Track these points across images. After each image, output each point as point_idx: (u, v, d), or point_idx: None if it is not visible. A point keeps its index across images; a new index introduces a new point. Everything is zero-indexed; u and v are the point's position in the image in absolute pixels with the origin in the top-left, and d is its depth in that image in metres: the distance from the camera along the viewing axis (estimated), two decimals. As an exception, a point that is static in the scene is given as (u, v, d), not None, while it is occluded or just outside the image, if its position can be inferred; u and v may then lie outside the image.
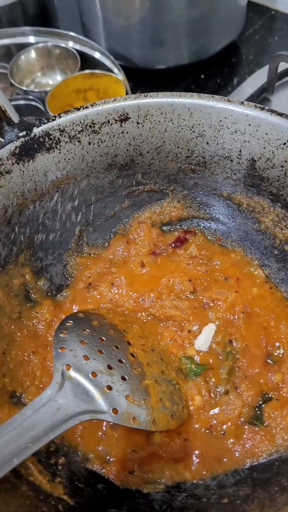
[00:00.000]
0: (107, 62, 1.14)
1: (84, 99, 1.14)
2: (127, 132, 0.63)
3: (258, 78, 1.07)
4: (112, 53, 1.15)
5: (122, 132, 0.63)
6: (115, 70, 1.11)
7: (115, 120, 0.62)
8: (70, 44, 1.16)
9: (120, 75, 1.09)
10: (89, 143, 0.62)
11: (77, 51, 1.16)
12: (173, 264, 0.66)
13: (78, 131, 0.61)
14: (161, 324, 0.62)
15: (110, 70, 1.12)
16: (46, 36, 1.18)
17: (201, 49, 1.23)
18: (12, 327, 0.60)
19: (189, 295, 0.63)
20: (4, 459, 0.40)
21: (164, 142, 0.64)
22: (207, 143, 0.63)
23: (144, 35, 1.16)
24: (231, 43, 1.28)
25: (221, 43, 1.25)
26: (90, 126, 0.61)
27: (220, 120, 0.61)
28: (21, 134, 0.59)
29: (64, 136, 0.61)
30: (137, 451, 0.54)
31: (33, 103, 1.10)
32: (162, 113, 0.62)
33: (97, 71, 1.09)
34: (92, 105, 0.61)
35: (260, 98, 1.03)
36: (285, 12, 1.44)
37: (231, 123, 0.60)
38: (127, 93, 1.06)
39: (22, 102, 1.09)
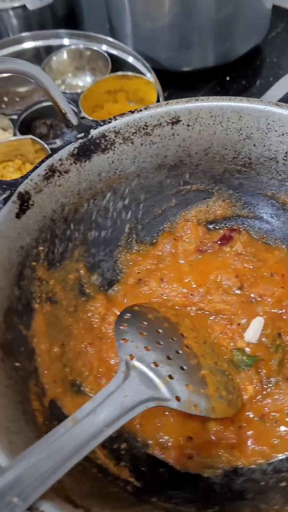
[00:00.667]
0: (138, 65, 1.17)
1: (114, 100, 1.17)
2: (177, 134, 0.65)
3: (285, 82, 1.10)
4: (139, 54, 1.18)
5: (173, 134, 0.65)
6: (147, 73, 1.13)
7: (167, 122, 0.64)
8: (103, 47, 1.18)
9: (151, 77, 1.12)
10: (141, 144, 0.65)
11: (107, 53, 1.19)
12: (219, 260, 0.69)
13: (132, 133, 0.64)
14: (211, 318, 0.65)
15: (140, 72, 1.15)
16: (79, 39, 1.21)
17: (227, 52, 1.25)
18: (69, 319, 0.63)
19: (236, 291, 0.66)
20: (83, 442, 0.43)
21: (212, 143, 0.67)
22: (254, 145, 0.66)
23: (173, 38, 1.18)
24: (255, 46, 1.31)
25: (247, 46, 1.28)
26: (143, 128, 0.64)
27: (268, 123, 0.63)
28: (79, 135, 0.62)
29: (119, 137, 0.63)
30: (193, 438, 0.56)
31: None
32: (212, 116, 0.64)
33: (129, 73, 1.12)
34: (146, 108, 0.64)
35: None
36: (308, 15, 1.46)
37: (279, 126, 0.63)
38: (158, 95, 1.08)
39: (55, 103, 1.12)
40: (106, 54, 1.18)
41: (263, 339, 0.62)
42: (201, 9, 1.10)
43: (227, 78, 1.31)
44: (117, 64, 1.21)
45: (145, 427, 0.58)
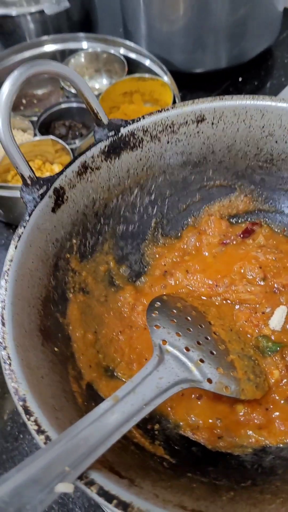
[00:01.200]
0: (154, 67, 1.20)
1: (130, 101, 1.20)
2: (202, 132, 0.68)
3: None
4: (154, 56, 1.21)
5: (198, 132, 0.68)
6: (163, 75, 1.16)
7: (192, 121, 0.67)
8: (121, 51, 1.21)
9: (167, 79, 1.15)
10: (168, 142, 0.68)
11: (124, 56, 1.22)
12: (242, 252, 0.72)
13: (159, 131, 0.67)
14: (236, 307, 0.68)
15: (157, 75, 1.18)
16: (96, 42, 1.25)
17: (240, 53, 1.28)
18: (101, 309, 0.66)
19: (260, 282, 0.69)
20: (125, 419, 0.46)
21: (235, 141, 0.70)
22: (276, 141, 0.69)
23: (187, 40, 1.21)
24: (267, 47, 1.34)
25: (259, 47, 1.31)
26: (169, 127, 0.67)
27: (290, 121, 0.66)
28: (110, 134, 0.65)
29: (147, 135, 0.66)
30: (223, 419, 0.59)
31: (84, 105, 1.15)
32: (235, 114, 0.67)
33: (146, 75, 1.15)
34: (172, 108, 0.67)
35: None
36: None
37: (300, 123, 0.66)
38: (174, 96, 1.11)
39: (74, 104, 1.15)
40: (122, 57, 1.21)
41: (287, 326, 0.65)
42: (215, 12, 1.13)
43: (240, 79, 1.34)
44: (132, 66, 1.24)
45: (175, 409, 0.61)
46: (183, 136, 0.68)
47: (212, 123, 0.68)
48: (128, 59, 1.23)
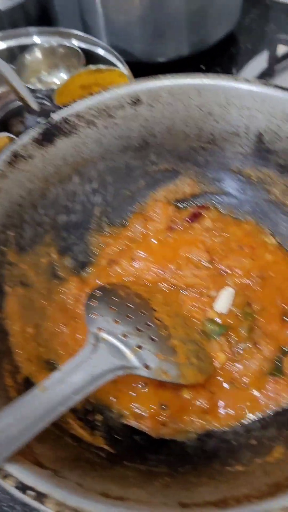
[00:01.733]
0: (111, 57, 1.18)
1: (90, 94, 1.18)
2: (139, 115, 0.67)
3: (257, 64, 1.11)
4: (114, 48, 1.19)
5: (135, 115, 0.67)
6: (119, 64, 1.14)
7: (128, 103, 0.66)
8: (74, 42, 1.20)
9: (124, 69, 1.13)
10: (105, 127, 0.66)
11: (81, 48, 1.20)
12: (189, 237, 0.70)
13: (94, 116, 0.65)
14: (182, 292, 0.66)
15: (114, 65, 1.16)
16: (50, 36, 1.23)
17: (200, 40, 1.26)
18: (43, 302, 0.64)
19: (206, 265, 0.67)
20: (51, 408, 0.45)
21: (174, 122, 0.68)
22: (216, 121, 0.67)
23: (145, 29, 1.20)
24: (229, 33, 1.32)
25: (220, 33, 1.29)
26: (105, 111, 0.65)
27: (227, 98, 0.65)
28: (41, 121, 0.63)
29: (81, 121, 0.65)
30: (168, 406, 0.57)
31: (41, 101, 1.13)
32: (172, 94, 0.66)
33: (101, 66, 1.13)
34: (106, 91, 0.65)
35: (261, 82, 1.07)
36: (280, 1, 1.47)
37: (238, 100, 0.64)
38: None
39: (31, 101, 1.13)
40: (79, 49, 1.19)
41: (233, 309, 0.63)
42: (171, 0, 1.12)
43: (203, 67, 1.32)
44: (92, 59, 1.22)
45: (119, 399, 0.59)
46: (120, 120, 0.66)
47: (149, 105, 0.66)
48: (86, 51, 1.21)
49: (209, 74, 0.65)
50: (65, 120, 0.64)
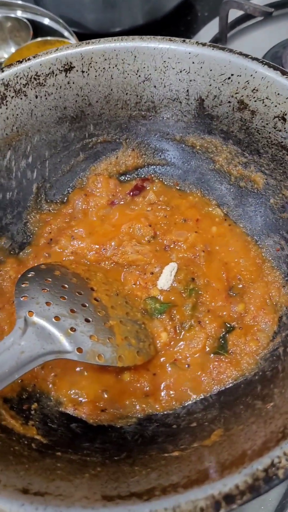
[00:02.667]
0: (59, 28, 1.13)
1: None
2: (73, 83, 0.62)
3: (210, 30, 1.07)
4: (66, 20, 1.14)
5: (68, 83, 0.62)
6: (67, 34, 1.09)
7: (60, 70, 0.61)
8: (19, 13, 1.14)
9: (72, 40, 1.08)
10: (36, 97, 0.62)
11: (28, 20, 1.14)
12: (132, 212, 0.66)
13: (23, 84, 0.61)
14: (124, 270, 0.63)
15: (63, 36, 1.11)
16: (-6, 7, 1.16)
17: (154, 8, 1.21)
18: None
19: (149, 240, 0.64)
20: None
21: (111, 89, 0.64)
22: (155, 86, 0.63)
23: (95, -2, 1.14)
24: (184, 1, 1.27)
25: (174, 1, 1.24)
26: (34, 79, 0.61)
27: (164, 61, 0.61)
28: None
29: (9, 90, 0.60)
30: (108, 390, 0.54)
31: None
32: (106, 59, 0.61)
33: (49, 38, 1.08)
34: (34, 57, 0.60)
35: (214, 49, 1.03)
36: None
37: (175, 63, 0.60)
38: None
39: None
40: (27, 21, 1.14)
41: (176, 285, 0.60)
42: None
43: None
44: (42, 32, 1.16)
45: (58, 385, 0.56)
46: (53, 88, 0.62)
47: (83, 71, 0.62)
48: (34, 23, 1.16)
49: (144, 36, 0.60)
50: (-9, 90, 0.59)
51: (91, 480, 0.41)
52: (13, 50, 1.22)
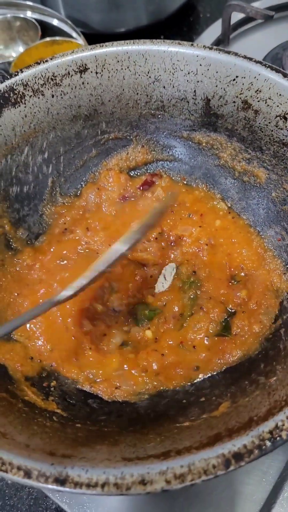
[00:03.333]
0: (67, 28, 1.17)
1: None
2: (87, 83, 0.66)
3: (214, 31, 1.11)
4: (72, 20, 1.18)
5: (83, 83, 0.66)
6: (75, 35, 1.13)
7: (75, 71, 0.65)
8: (29, 14, 1.18)
9: (80, 40, 1.11)
10: (53, 96, 0.66)
11: (37, 20, 1.18)
12: (141, 207, 0.70)
13: (41, 84, 0.64)
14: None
15: (71, 37, 1.15)
16: (4, 8, 1.20)
17: (157, 9, 1.25)
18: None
19: (156, 236, 0.68)
20: None
21: (123, 89, 0.68)
22: (164, 87, 0.67)
23: (101, -1, 1.18)
24: (188, 1, 1.31)
25: (178, 2, 1.28)
26: (51, 79, 0.65)
27: (173, 63, 0.65)
28: (-14, 91, 0.62)
29: (28, 90, 0.64)
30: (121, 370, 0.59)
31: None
32: (118, 61, 0.65)
33: (57, 38, 1.12)
34: (51, 59, 0.64)
35: (217, 50, 1.07)
36: None
37: (184, 65, 0.64)
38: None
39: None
40: (35, 22, 1.17)
41: (176, 282, 0.64)
42: None
43: (162, 37, 1.31)
44: (50, 31, 1.20)
45: (67, 369, 0.60)
46: (68, 88, 0.66)
47: (96, 72, 0.66)
48: (42, 23, 1.19)
49: (154, 40, 0.64)
50: (11, 90, 0.63)
51: (111, 446, 0.45)
52: (21, 49, 1.26)
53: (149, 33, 1.30)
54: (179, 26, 1.34)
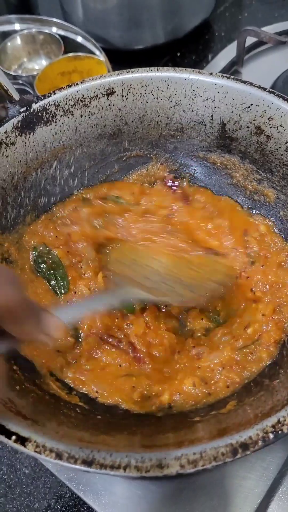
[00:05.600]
0: (89, 45, 1.23)
1: (69, 81, 1.22)
2: (113, 105, 0.72)
3: (229, 52, 1.17)
4: (93, 36, 1.23)
5: (109, 105, 0.72)
6: (97, 52, 1.19)
7: (102, 94, 0.71)
8: (54, 30, 1.24)
9: (101, 57, 1.18)
10: (81, 116, 0.72)
11: (60, 36, 1.24)
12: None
13: (71, 105, 0.70)
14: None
15: (92, 53, 1.21)
16: (30, 23, 1.26)
17: (175, 28, 1.31)
18: (25, 276, 0.70)
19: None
20: None
21: (146, 112, 0.74)
22: (183, 110, 0.73)
23: (122, 17, 1.24)
24: (204, 21, 1.37)
25: (194, 21, 1.34)
26: (81, 101, 0.71)
27: (193, 90, 0.70)
28: (22, 110, 0.68)
29: (59, 110, 0.70)
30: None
31: (22, 87, 1.18)
32: (143, 86, 0.71)
33: (80, 54, 1.18)
34: (82, 82, 0.70)
35: (232, 70, 1.13)
36: (252, -11, 1.52)
37: (203, 92, 0.70)
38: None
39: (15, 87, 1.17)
40: (58, 37, 1.23)
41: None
42: (147, -13, 1.16)
43: (178, 54, 1.37)
44: (71, 46, 1.26)
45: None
46: (95, 109, 0.72)
47: (122, 96, 0.72)
48: (65, 38, 1.25)
49: (177, 68, 0.70)
50: (44, 109, 0.69)
51: (129, 436, 0.51)
52: (44, 62, 1.32)
53: (166, 50, 1.36)
54: (195, 44, 1.40)
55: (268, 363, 0.61)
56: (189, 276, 0.64)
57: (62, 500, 0.76)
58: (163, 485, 0.67)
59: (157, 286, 0.62)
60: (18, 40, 1.26)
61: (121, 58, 1.33)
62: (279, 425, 0.44)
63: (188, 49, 1.39)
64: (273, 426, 0.44)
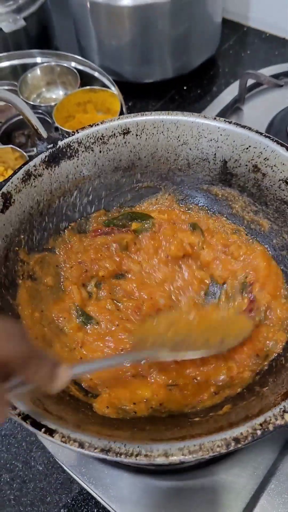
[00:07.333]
0: (103, 79, 1.33)
1: (84, 111, 1.33)
2: (128, 142, 0.82)
3: (232, 90, 1.27)
4: (106, 69, 1.34)
5: (125, 142, 0.82)
6: (110, 85, 1.30)
7: (119, 133, 0.81)
8: (72, 64, 1.35)
9: (115, 90, 1.28)
10: (100, 151, 0.81)
11: (76, 69, 1.35)
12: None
13: (92, 142, 0.80)
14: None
15: (106, 86, 1.31)
16: (50, 57, 1.38)
17: (183, 65, 1.42)
18: (47, 292, 0.79)
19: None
20: None
21: (157, 149, 0.83)
22: (190, 149, 0.82)
23: (134, 54, 1.35)
24: (210, 58, 1.47)
25: (201, 58, 1.45)
26: (100, 139, 0.80)
27: (199, 132, 0.80)
28: (49, 146, 0.78)
29: (81, 146, 0.80)
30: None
31: (41, 115, 1.28)
32: (155, 127, 0.81)
33: (96, 87, 1.28)
34: (102, 123, 0.80)
35: (234, 107, 1.24)
36: (256, 28, 1.63)
37: (207, 134, 0.80)
38: (121, 105, 1.25)
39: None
40: (75, 70, 1.34)
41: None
42: (157, 28, 1.27)
43: (184, 88, 1.48)
44: (85, 78, 1.37)
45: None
46: (113, 146, 0.82)
47: (136, 135, 0.81)
48: (80, 71, 1.36)
49: (185, 112, 0.80)
50: (68, 146, 0.79)
51: (139, 431, 0.60)
52: (60, 92, 1.43)
53: (173, 84, 1.47)
54: (200, 79, 1.50)
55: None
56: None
57: (71, 494, 0.85)
58: (164, 479, 0.75)
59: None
60: (38, 71, 1.37)
61: (132, 90, 1.44)
62: (266, 423, 0.52)
63: (194, 83, 1.49)
64: (261, 425, 0.52)
